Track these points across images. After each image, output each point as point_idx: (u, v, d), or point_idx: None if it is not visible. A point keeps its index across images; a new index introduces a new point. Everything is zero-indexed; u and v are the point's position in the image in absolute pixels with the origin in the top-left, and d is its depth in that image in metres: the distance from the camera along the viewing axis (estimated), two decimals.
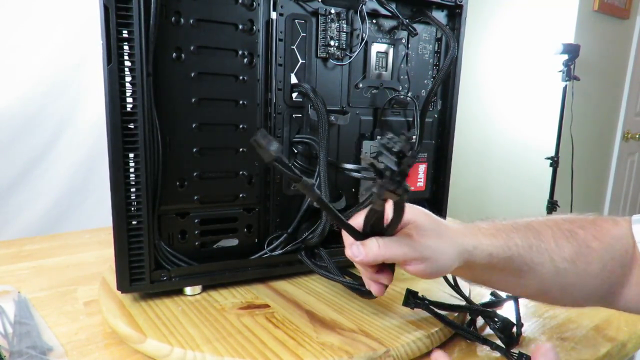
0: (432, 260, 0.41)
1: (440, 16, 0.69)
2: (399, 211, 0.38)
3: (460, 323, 0.56)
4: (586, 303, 0.47)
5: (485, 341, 0.52)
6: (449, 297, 0.61)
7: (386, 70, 0.67)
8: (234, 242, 0.62)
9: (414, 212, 0.43)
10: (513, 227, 0.44)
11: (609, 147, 2.62)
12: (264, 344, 0.49)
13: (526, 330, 0.58)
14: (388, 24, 0.66)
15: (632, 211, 2.83)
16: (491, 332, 0.54)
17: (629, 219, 0.46)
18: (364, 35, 0.63)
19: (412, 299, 0.55)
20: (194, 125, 0.56)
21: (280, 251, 0.63)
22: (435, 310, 0.54)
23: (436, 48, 0.71)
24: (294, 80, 0.61)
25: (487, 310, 0.56)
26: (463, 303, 0.58)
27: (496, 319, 0.54)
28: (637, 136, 2.66)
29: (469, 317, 0.57)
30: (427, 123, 0.72)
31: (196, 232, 0.60)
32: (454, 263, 0.43)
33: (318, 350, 0.48)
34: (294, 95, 0.61)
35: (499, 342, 0.52)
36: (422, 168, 0.72)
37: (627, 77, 2.57)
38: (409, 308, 0.55)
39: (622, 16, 2.40)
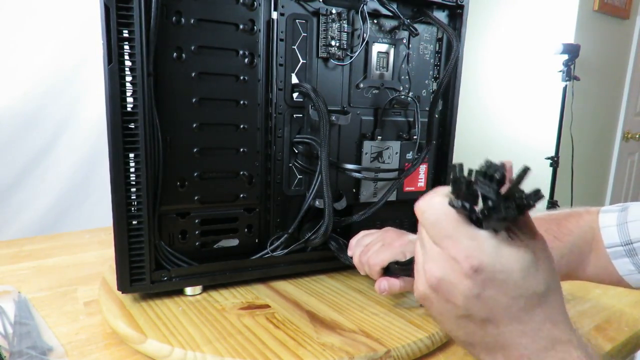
0: None
1: (441, 16, 0.69)
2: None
3: None
4: None
5: None
6: None
7: (387, 71, 0.67)
8: (234, 242, 0.62)
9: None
10: None
11: (609, 147, 2.62)
12: (264, 344, 0.48)
13: None
14: (389, 24, 0.66)
15: None
16: None
17: (596, 211, 0.56)
18: (364, 35, 0.63)
19: None
20: (194, 125, 0.56)
21: (284, 252, 0.63)
22: None
23: (437, 48, 0.70)
24: (294, 80, 0.61)
25: None
26: None
27: None
28: (637, 136, 2.66)
29: None
30: (427, 123, 0.71)
31: (196, 232, 0.59)
32: None
33: (319, 350, 0.48)
34: (295, 95, 0.61)
35: None
36: (422, 168, 0.72)
37: (627, 77, 2.57)
38: (408, 308, 0.56)
39: (622, 16, 2.40)
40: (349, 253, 0.61)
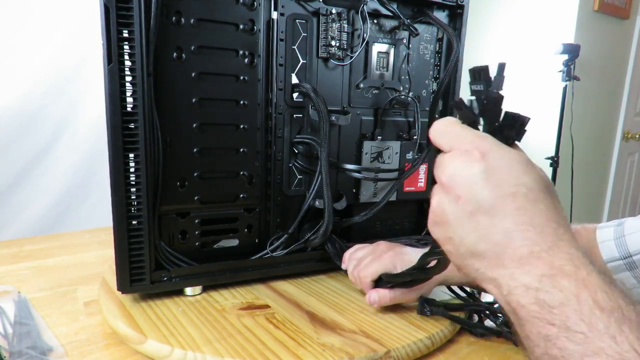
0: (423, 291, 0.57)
1: (441, 16, 0.69)
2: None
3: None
4: None
5: (499, 333, 0.54)
6: (446, 295, 0.61)
7: (387, 71, 0.67)
8: (234, 242, 0.62)
9: None
10: None
11: (609, 147, 2.62)
12: (264, 345, 0.48)
13: None
14: (389, 24, 0.66)
15: (632, 211, 2.83)
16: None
17: (592, 228, 0.56)
18: (365, 35, 0.63)
19: (428, 306, 0.55)
20: (194, 125, 0.56)
21: (283, 252, 0.63)
22: (451, 314, 0.55)
23: (437, 48, 0.70)
24: (294, 80, 0.61)
25: (492, 306, 0.57)
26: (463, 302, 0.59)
27: (499, 314, 0.55)
28: (637, 136, 2.66)
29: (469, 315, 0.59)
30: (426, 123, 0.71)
31: (196, 232, 0.59)
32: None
33: (318, 351, 0.48)
34: (295, 95, 0.61)
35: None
36: (422, 168, 0.72)
37: (627, 77, 2.57)
38: (408, 309, 0.56)
39: (622, 16, 2.39)
40: (343, 267, 0.62)
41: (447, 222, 0.34)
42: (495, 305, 0.57)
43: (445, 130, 0.36)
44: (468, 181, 0.32)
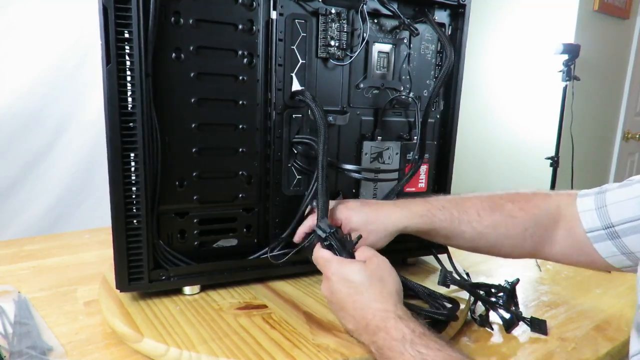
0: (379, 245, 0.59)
1: (443, 16, 0.68)
2: None
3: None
4: (515, 255, 0.60)
5: (518, 317, 0.58)
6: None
7: (387, 70, 0.67)
8: (233, 242, 0.62)
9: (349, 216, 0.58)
10: (441, 206, 0.58)
11: (609, 147, 2.62)
12: (259, 345, 0.48)
13: (526, 330, 0.58)
14: (389, 23, 0.66)
15: None
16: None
17: (574, 194, 0.57)
18: (364, 35, 0.63)
19: (450, 277, 0.59)
20: (193, 125, 0.56)
21: (284, 259, 0.62)
22: (475, 290, 0.59)
23: (438, 48, 0.70)
24: (294, 80, 0.60)
25: (506, 287, 0.61)
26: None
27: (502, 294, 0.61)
28: (637, 136, 2.66)
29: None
30: (429, 123, 0.71)
31: (195, 231, 0.59)
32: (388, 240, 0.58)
33: (313, 352, 0.48)
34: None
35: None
36: (423, 169, 0.72)
37: (627, 77, 2.57)
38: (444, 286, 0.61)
39: (622, 16, 2.39)
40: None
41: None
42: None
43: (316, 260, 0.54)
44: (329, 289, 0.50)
